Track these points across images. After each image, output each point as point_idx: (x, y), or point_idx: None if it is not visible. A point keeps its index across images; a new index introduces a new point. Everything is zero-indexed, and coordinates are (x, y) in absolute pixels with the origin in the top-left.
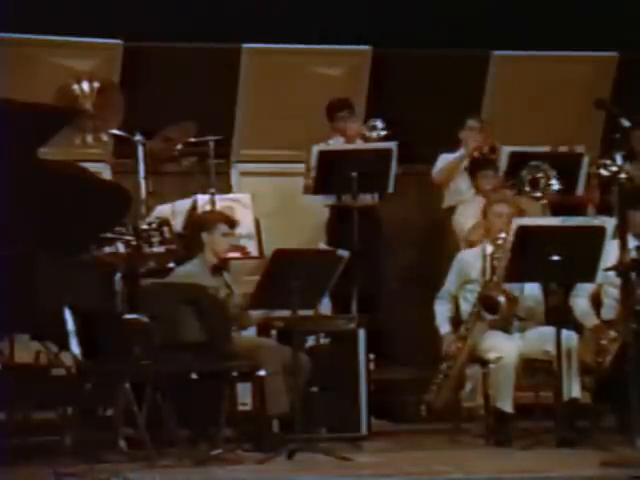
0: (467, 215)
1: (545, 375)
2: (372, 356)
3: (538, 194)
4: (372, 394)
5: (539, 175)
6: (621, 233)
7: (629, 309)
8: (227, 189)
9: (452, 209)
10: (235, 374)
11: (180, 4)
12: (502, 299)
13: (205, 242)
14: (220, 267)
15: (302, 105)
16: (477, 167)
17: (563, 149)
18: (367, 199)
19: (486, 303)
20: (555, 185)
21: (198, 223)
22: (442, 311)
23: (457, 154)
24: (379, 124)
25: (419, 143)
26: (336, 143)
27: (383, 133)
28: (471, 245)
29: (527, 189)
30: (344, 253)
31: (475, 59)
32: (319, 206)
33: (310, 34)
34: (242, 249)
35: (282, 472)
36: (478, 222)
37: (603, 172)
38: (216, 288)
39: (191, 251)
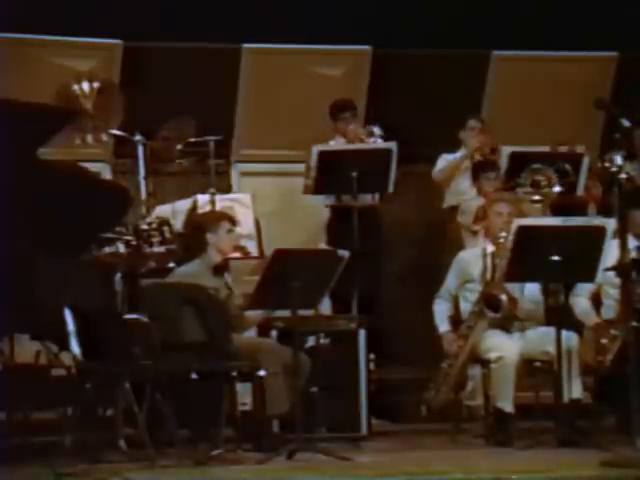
0: (474, 207)
1: (545, 375)
2: (372, 356)
3: (538, 197)
4: (372, 394)
5: (540, 177)
6: (621, 233)
7: (629, 308)
8: (227, 189)
9: (453, 209)
10: (235, 374)
11: (180, 4)
12: (504, 298)
13: (210, 242)
14: (222, 267)
15: (302, 105)
16: (479, 169)
17: (563, 149)
18: (367, 199)
19: (488, 301)
20: (556, 187)
21: (201, 224)
22: (441, 310)
23: (458, 154)
24: (377, 130)
25: (419, 143)
26: (337, 144)
27: (380, 141)
28: (477, 222)
29: (528, 191)
30: (344, 253)
31: (475, 59)
32: (319, 206)
33: (310, 34)
34: (242, 249)
35: (282, 472)
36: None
37: (610, 167)
38: (216, 289)
39: (192, 251)
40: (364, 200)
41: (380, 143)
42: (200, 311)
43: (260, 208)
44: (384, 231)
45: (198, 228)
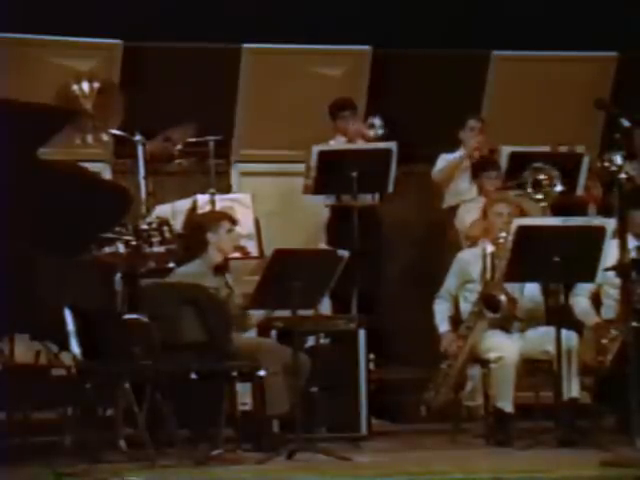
0: (471, 213)
1: (545, 375)
2: (372, 356)
3: (540, 196)
4: (372, 394)
5: (542, 177)
6: (621, 233)
7: (629, 308)
8: (227, 189)
9: (452, 209)
10: (235, 374)
11: (180, 4)
12: (503, 298)
13: (210, 242)
14: (222, 267)
15: (302, 105)
16: (480, 168)
17: (563, 149)
18: (367, 199)
19: (487, 302)
20: (558, 186)
21: (201, 223)
22: (441, 310)
23: (457, 154)
24: (377, 122)
25: (419, 143)
26: (337, 143)
27: (381, 132)
28: (472, 240)
29: (529, 190)
30: (344, 253)
31: (475, 59)
32: (319, 206)
33: (310, 34)
34: (242, 249)
35: (282, 472)
36: (478, 218)
37: (610, 167)
38: (217, 288)
39: (192, 251)
40: (364, 200)
41: (380, 143)
42: (200, 311)
43: (260, 208)
44: (384, 231)
45: (198, 228)
